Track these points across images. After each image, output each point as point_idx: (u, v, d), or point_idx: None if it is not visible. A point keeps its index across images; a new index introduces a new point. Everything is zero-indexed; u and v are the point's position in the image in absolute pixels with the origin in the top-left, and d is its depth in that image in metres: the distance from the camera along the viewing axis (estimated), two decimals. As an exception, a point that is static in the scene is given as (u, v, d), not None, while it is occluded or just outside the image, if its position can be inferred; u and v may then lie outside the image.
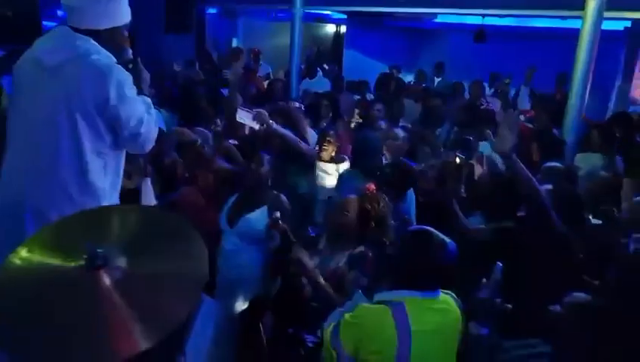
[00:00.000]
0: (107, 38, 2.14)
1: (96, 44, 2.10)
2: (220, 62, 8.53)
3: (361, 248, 2.49)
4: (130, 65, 2.25)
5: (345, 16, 11.19)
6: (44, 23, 7.84)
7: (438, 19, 10.48)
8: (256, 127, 3.80)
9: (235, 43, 10.85)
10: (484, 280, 2.05)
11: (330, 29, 12.72)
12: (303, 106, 5.17)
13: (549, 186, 2.85)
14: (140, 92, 2.21)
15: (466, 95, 6.81)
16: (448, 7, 7.20)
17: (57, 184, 2.07)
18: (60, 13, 8.51)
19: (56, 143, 2.05)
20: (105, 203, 2.14)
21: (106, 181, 2.18)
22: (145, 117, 2.16)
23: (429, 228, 2.00)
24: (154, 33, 9.23)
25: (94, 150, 2.09)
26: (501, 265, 2.04)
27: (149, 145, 2.24)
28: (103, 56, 2.09)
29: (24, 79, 2.13)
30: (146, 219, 1.08)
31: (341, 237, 2.60)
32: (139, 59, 2.33)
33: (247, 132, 4.38)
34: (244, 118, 3.96)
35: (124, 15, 2.19)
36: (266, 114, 3.72)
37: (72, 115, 2.03)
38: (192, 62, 8.05)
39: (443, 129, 5.26)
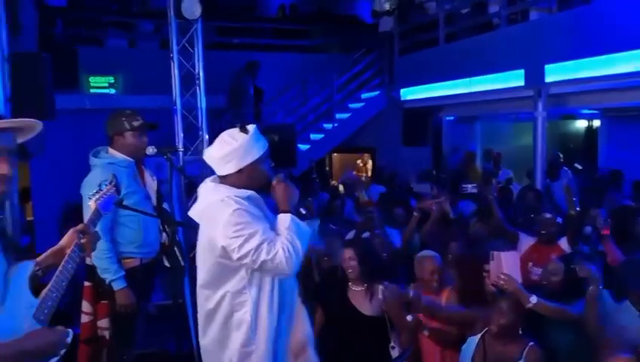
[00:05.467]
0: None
1: None
2: (457, 172, 8.36)
3: None
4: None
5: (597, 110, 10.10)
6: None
7: None
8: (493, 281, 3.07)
9: (473, 147, 10.64)
10: None
11: (581, 124, 11.57)
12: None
13: None
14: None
15: None
16: None
17: None
18: (312, 137, 9.58)
19: None
20: None
21: None
22: None
23: None
24: (393, 146, 9.73)
25: None
26: None
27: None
28: None
29: None
30: None
31: None
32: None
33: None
34: (496, 264, 3.08)
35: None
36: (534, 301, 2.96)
37: None
38: (428, 174, 7.99)
39: None
